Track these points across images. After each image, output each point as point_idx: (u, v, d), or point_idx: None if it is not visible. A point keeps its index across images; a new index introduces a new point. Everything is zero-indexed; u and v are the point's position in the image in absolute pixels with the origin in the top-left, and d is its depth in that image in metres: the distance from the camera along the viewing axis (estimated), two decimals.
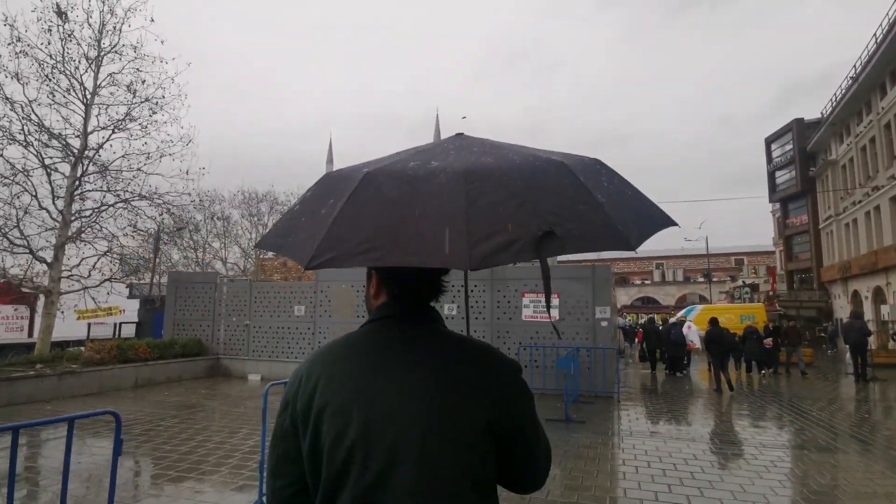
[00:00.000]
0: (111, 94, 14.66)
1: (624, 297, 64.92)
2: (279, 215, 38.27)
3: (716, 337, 12.85)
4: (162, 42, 15.02)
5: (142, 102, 14.38)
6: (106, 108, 14.45)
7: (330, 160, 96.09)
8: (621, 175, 1.22)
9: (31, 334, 22.03)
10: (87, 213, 14.56)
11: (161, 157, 15.02)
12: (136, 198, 14.86)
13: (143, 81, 14.27)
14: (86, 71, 14.15)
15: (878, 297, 27.20)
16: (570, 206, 1.01)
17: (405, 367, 1.08)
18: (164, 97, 14.59)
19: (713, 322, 13.62)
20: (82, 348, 13.52)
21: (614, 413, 9.56)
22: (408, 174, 1.04)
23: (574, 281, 12.03)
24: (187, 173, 15.10)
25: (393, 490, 1.01)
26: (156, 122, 14.83)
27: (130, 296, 18.78)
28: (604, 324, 11.76)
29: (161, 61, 14.79)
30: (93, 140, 14.50)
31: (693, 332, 16.99)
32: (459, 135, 1.26)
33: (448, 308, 12.93)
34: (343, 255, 0.98)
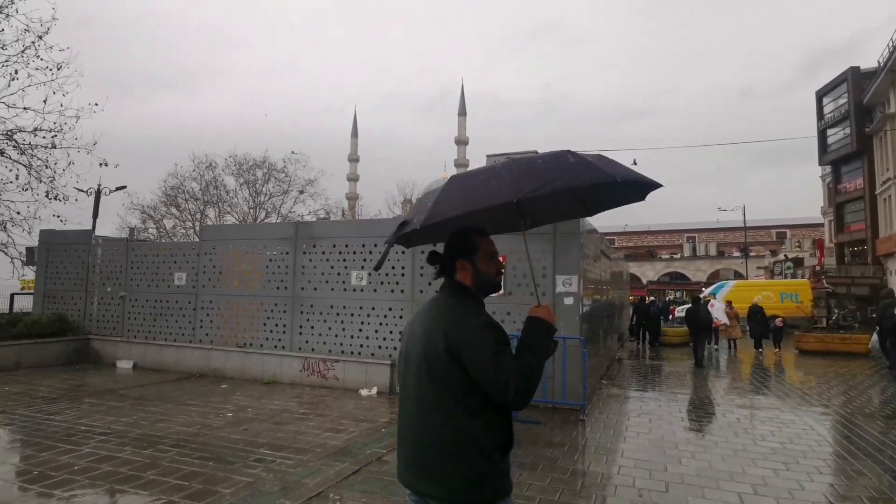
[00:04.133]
0: None
1: (650, 271, 60.02)
2: (276, 182, 35.68)
3: (691, 315, 13.79)
4: None
5: None
6: None
7: (355, 134, 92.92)
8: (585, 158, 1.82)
9: None
10: None
11: (15, 82, 11.65)
12: None
13: None
14: None
15: None
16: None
17: (420, 316, 1.90)
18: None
19: (694, 300, 14.60)
20: None
21: (569, 446, 5.86)
22: (464, 182, 1.90)
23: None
24: (45, 101, 11.69)
25: (408, 388, 1.82)
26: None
27: (29, 262, 15.69)
28: (568, 300, 7.92)
29: None
30: None
31: (718, 310, 15.89)
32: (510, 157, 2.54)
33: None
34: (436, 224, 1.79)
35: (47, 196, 12.47)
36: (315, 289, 9.66)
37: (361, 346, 9.20)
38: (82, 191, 23.77)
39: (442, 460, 1.68)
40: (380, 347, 9.06)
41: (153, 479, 4.64)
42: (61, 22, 12.10)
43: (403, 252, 9.04)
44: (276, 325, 9.88)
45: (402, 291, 9.02)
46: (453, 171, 65.55)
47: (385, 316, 9.08)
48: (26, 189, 12.04)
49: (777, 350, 15.99)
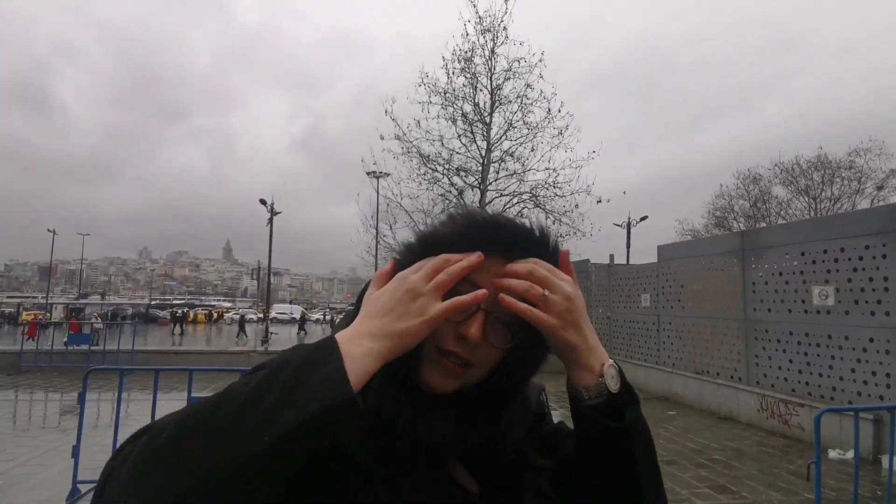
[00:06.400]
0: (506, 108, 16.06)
1: None
2: (842, 182, 31.44)
3: None
4: (521, 44, 15.35)
5: (519, 103, 15.05)
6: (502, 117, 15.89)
7: None
8: None
9: None
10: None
11: (533, 149, 15.25)
12: (521, 193, 15.62)
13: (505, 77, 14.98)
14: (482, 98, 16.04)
15: None
16: None
17: None
18: (534, 91, 14.78)
19: None
20: None
21: None
22: None
23: None
24: (549, 161, 14.65)
25: None
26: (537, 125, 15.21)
27: None
28: None
29: (525, 62, 15.14)
30: (493, 156, 16.32)
31: None
32: None
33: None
34: None
35: (561, 236, 15.45)
36: (769, 310, 7.78)
37: (833, 388, 6.69)
38: (618, 225, 27.57)
39: None
40: (859, 394, 6.32)
41: None
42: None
43: (884, 255, 6.10)
44: (730, 352, 8.51)
45: (888, 314, 6.03)
46: None
47: (864, 350, 6.29)
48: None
49: None
